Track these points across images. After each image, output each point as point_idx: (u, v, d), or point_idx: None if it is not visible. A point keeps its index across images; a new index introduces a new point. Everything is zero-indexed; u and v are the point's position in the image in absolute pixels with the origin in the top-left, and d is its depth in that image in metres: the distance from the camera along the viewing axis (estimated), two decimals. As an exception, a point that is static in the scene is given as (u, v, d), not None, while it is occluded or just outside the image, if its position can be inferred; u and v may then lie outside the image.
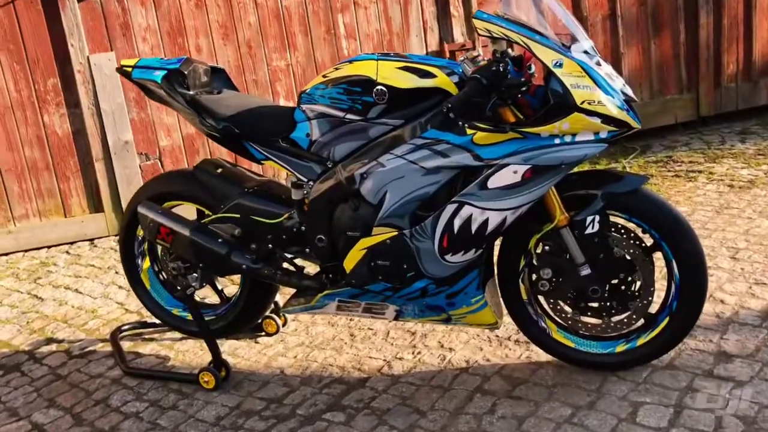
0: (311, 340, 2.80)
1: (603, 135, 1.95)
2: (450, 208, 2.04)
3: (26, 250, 4.21)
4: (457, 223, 2.05)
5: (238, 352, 2.78)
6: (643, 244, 2.14)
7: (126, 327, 2.97)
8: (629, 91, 2.03)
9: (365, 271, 2.22)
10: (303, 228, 2.33)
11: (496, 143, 1.99)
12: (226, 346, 2.83)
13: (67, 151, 4.21)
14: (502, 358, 2.45)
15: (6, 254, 4.19)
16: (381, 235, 2.15)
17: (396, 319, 2.33)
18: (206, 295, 2.98)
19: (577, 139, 1.95)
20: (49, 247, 4.23)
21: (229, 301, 2.72)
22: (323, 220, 2.27)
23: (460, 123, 2.00)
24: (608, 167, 4.27)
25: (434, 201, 2.09)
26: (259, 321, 2.86)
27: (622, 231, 2.14)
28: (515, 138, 1.97)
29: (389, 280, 2.21)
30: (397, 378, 2.43)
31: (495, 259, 2.31)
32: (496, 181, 1.99)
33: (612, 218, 2.13)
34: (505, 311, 2.35)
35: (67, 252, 4.15)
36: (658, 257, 2.16)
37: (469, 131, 2.00)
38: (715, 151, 4.48)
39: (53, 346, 3.01)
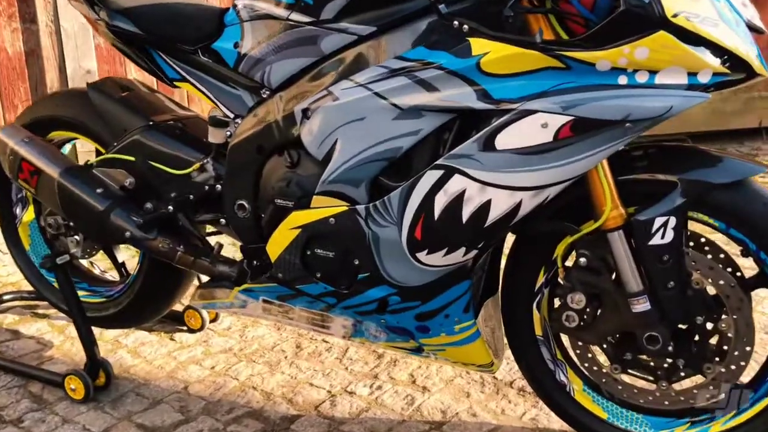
0: (243, 347, 2.04)
1: (703, 78, 1.13)
2: (431, 177, 1.25)
3: (-42, 188, 3.54)
4: (441, 201, 1.25)
5: (142, 350, 2.04)
6: (739, 274, 1.32)
7: (8, 297, 2.25)
8: (756, 18, 1.20)
9: (296, 262, 1.44)
10: (218, 187, 1.56)
11: (517, 74, 1.18)
12: (131, 339, 2.09)
13: (18, 75, 3.51)
14: (495, 415, 1.65)
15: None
16: (323, 208, 1.37)
17: (346, 338, 1.55)
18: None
19: (658, 79, 1.13)
20: (-14, 187, 3.54)
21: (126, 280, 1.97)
22: (247, 178, 1.49)
23: (456, 23, 1.20)
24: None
25: (408, 163, 1.30)
26: (181, 311, 2.12)
27: (708, 248, 1.32)
28: (551, 67, 1.16)
29: (330, 280, 1.43)
30: (337, 424, 1.65)
31: (501, 268, 1.51)
32: (510, 137, 1.18)
33: (692, 224, 1.31)
34: (508, 347, 1.55)
35: (4, 195, 3.46)
36: (763, 297, 1.33)
37: (475, 48, 1.19)
38: (809, 164, 3.57)
39: None
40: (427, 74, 1.23)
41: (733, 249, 1.33)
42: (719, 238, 1.34)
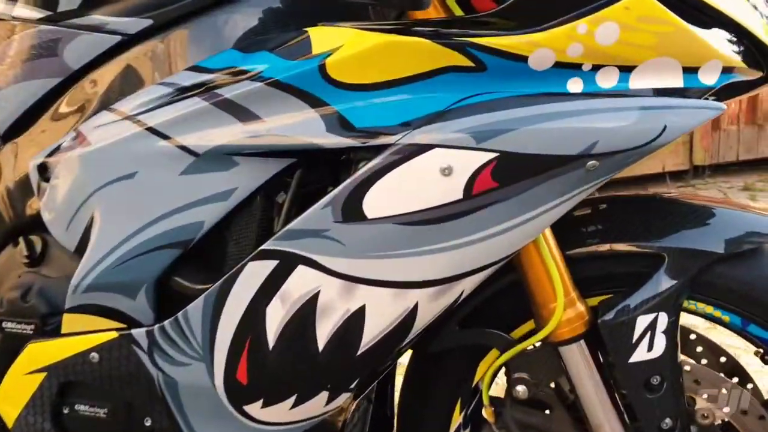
0: None
1: (707, 77, 0.65)
2: (257, 273, 0.70)
3: None
4: (277, 316, 0.71)
5: None
6: (751, 386, 0.85)
7: None
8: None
9: (46, 427, 0.84)
10: None
11: (394, 82, 0.66)
12: None
13: None
14: None
15: None
16: (78, 336, 0.79)
17: None
18: None
19: (636, 81, 0.64)
20: None
21: None
22: (-36, 286, 0.89)
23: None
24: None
25: (217, 251, 0.75)
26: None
27: (701, 349, 0.86)
28: (452, 67, 0.65)
29: (104, 456, 0.84)
30: None
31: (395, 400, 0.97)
32: (389, 196, 0.66)
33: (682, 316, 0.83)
34: None
35: None
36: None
37: (316, 41, 0.67)
38: (721, 210, 3.35)
39: None
40: (238, 91, 0.70)
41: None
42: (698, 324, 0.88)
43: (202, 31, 0.76)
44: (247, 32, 0.75)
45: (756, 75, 0.69)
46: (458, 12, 0.70)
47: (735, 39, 0.66)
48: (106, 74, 0.78)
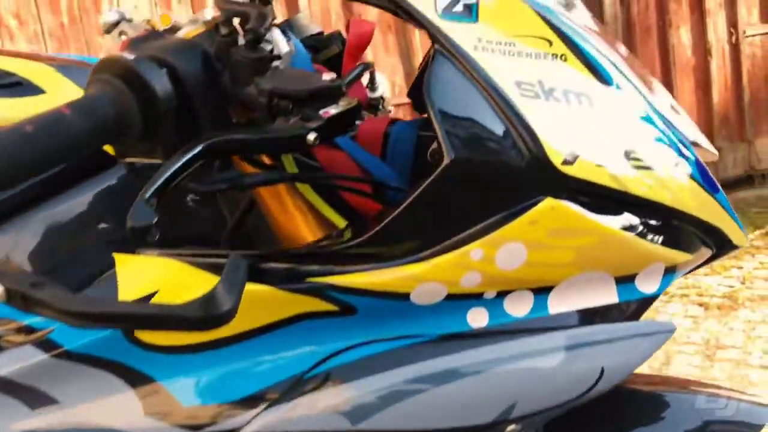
0: None
1: (647, 283, 0.49)
2: None
3: None
4: None
5: None
6: None
7: None
8: (700, 135, 0.61)
9: None
10: None
11: (228, 340, 0.48)
12: None
13: None
14: None
15: None
16: None
17: None
18: None
19: (553, 307, 0.47)
20: None
21: None
22: None
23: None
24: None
25: None
26: None
27: None
28: (307, 314, 0.47)
29: None
30: None
31: None
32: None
33: None
34: None
35: None
36: None
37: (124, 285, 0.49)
38: (655, 252, 3.30)
39: None
40: (19, 366, 0.49)
41: None
42: None
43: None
44: (43, 246, 0.56)
45: (705, 256, 0.54)
46: (338, 220, 0.52)
47: (674, 226, 0.51)
48: None
